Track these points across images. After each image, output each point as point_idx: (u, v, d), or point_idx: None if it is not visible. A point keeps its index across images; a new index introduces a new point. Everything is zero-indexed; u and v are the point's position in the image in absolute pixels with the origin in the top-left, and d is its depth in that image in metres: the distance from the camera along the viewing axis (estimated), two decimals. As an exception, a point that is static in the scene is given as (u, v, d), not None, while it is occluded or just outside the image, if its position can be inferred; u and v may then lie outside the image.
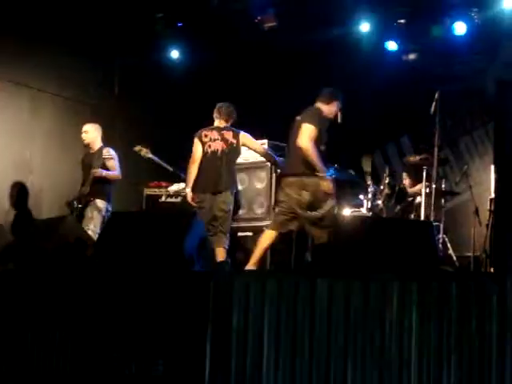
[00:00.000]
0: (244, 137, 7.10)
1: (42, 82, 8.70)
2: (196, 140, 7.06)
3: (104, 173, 7.60)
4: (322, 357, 3.97)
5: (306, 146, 6.36)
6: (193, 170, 7.03)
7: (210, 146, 7.01)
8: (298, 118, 6.66)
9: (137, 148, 7.78)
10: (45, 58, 8.58)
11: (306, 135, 6.37)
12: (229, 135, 7.03)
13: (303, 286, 4.03)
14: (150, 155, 7.74)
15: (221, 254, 6.69)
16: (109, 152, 7.74)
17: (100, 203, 7.55)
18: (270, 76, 9.65)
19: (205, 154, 7.02)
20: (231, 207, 6.92)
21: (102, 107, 9.24)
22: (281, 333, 4.00)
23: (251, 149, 7.31)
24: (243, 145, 7.13)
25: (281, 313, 4.02)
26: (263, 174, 8.15)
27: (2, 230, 6.80)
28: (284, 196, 6.58)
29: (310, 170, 6.39)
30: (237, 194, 7.13)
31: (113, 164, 7.72)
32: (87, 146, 7.82)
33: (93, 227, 7.25)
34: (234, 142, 7.02)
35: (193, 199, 6.97)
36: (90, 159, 7.70)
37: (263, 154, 7.38)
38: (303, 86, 9.63)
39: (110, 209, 7.62)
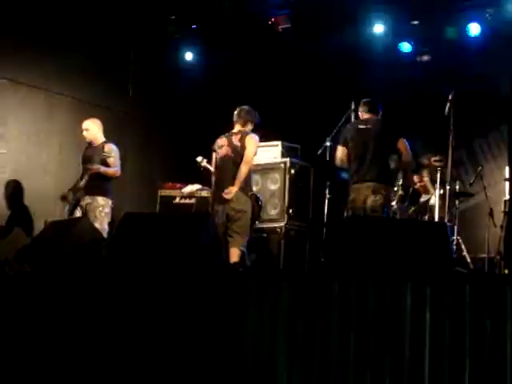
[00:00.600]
0: (248, 138, 6.98)
1: (57, 85, 8.76)
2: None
3: (102, 169, 7.48)
4: (336, 359, 3.97)
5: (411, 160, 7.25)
6: (212, 178, 7.21)
7: (218, 153, 7.06)
8: (362, 126, 7.03)
9: (199, 159, 7.66)
10: (60, 60, 8.63)
11: (409, 149, 7.02)
12: (236, 139, 6.99)
13: (317, 288, 4.04)
14: (205, 164, 7.64)
15: (234, 256, 6.68)
16: (110, 148, 7.64)
17: (101, 200, 7.48)
18: (284, 77, 9.66)
19: (216, 161, 7.09)
20: (246, 208, 6.86)
21: (116, 109, 9.29)
22: (294, 334, 4.01)
23: (247, 151, 6.97)
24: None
25: (292, 314, 4.03)
26: (277, 176, 8.15)
27: (18, 231, 6.84)
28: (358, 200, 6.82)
29: (385, 176, 6.93)
30: (257, 198, 7.10)
31: (113, 161, 7.61)
32: (90, 143, 7.76)
33: (98, 225, 7.16)
34: (239, 144, 6.95)
35: None
36: (91, 153, 7.64)
37: (243, 167, 6.93)
38: (316, 87, 9.66)
39: (111, 204, 7.55)
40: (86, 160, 7.63)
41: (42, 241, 5.64)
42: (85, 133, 7.74)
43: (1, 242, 6.43)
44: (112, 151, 7.64)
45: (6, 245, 6.14)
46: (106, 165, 7.58)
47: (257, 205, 7.00)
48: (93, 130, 7.74)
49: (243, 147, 6.93)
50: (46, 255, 5.19)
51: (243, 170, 6.88)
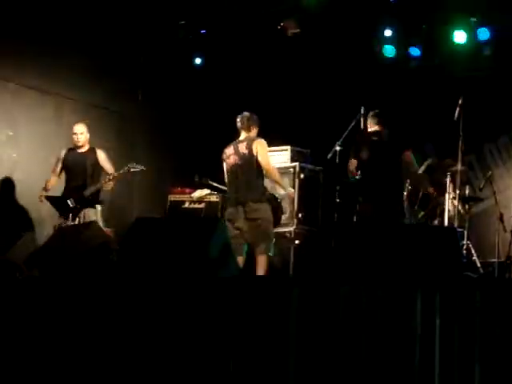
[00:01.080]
0: (255, 144, 6.92)
1: (66, 89, 8.78)
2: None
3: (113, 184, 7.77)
4: (346, 365, 3.97)
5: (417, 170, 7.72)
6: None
7: (227, 163, 7.05)
8: (375, 138, 7.21)
9: (196, 178, 7.75)
10: (69, 65, 8.66)
11: (414, 161, 7.43)
12: (242, 147, 6.95)
13: (326, 294, 4.03)
14: (210, 182, 7.70)
15: (262, 264, 6.74)
16: (104, 155, 7.80)
17: (98, 206, 7.75)
18: (293, 82, 9.66)
19: (226, 170, 7.08)
20: (266, 214, 6.86)
21: (125, 114, 9.31)
22: (304, 340, 4.00)
23: (260, 157, 6.97)
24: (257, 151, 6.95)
25: (302, 319, 4.03)
26: (286, 180, 8.13)
27: (28, 236, 6.87)
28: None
29: (397, 191, 7.33)
30: (275, 200, 7.12)
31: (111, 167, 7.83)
32: (81, 147, 7.81)
33: None
34: (246, 152, 6.91)
35: None
36: (82, 158, 7.72)
37: (271, 174, 7.08)
38: (326, 92, 9.66)
39: None
40: (77, 165, 7.72)
41: (51, 246, 5.66)
42: (80, 136, 7.77)
43: (10, 246, 6.47)
44: (105, 157, 7.79)
45: (16, 249, 6.18)
46: (102, 170, 7.76)
47: (276, 203, 7.04)
48: (86, 133, 7.80)
49: (251, 154, 6.92)
50: (56, 260, 5.21)
51: (273, 176, 7.06)
